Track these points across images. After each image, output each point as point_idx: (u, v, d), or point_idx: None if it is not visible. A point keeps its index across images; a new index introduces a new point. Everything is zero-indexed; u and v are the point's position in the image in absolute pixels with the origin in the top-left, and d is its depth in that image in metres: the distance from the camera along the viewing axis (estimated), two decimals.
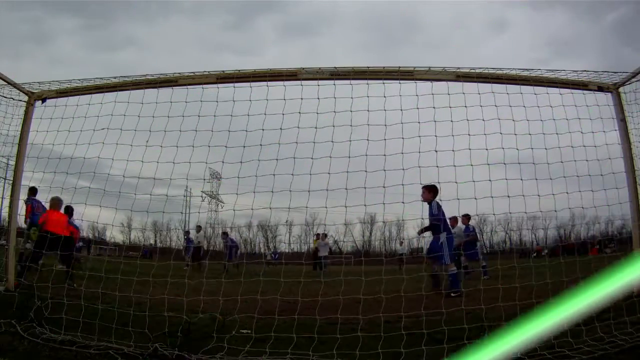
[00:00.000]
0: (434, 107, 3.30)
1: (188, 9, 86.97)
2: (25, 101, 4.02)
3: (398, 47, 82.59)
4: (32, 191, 6.58)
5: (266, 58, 78.80)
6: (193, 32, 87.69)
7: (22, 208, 4.81)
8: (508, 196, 3.09)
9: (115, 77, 3.75)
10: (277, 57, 78.17)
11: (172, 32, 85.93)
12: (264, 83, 3.49)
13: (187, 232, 15.87)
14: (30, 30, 79.20)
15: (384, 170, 3.10)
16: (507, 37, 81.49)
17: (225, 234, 14.35)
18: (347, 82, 3.43)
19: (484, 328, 2.73)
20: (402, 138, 3.19)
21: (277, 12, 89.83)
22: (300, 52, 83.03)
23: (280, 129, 3.27)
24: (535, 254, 25.18)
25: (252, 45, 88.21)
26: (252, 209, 3.29)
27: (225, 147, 3.28)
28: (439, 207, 5.43)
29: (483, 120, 3.28)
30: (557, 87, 3.55)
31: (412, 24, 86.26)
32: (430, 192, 5.33)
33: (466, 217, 8.22)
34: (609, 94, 3.69)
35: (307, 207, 3.15)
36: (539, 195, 3.12)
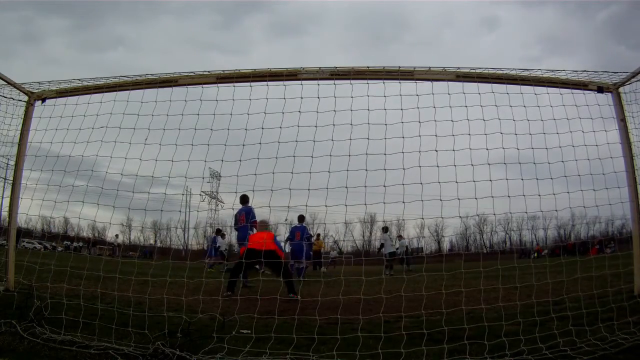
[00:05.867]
0: (434, 107, 3.29)
1: (176, 9, 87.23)
2: (25, 101, 4.01)
3: (387, 46, 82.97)
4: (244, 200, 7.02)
5: (255, 57, 79.19)
6: (182, 32, 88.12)
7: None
8: (508, 196, 3.08)
9: (115, 77, 3.74)
10: (265, 57, 78.40)
11: (161, 32, 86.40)
12: (264, 83, 3.49)
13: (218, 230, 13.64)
14: (21, 31, 79.47)
15: (384, 170, 3.09)
16: (498, 34, 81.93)
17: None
18: (347, 81, 3.42)
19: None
20: (403, 137, 3.18)
21: (264, 12, 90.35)
22: (288, 51, 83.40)
23: (280, 127, 3.25)
24: (535, 254, 25.21)
25: (240, 45, 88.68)
26: (251, 208, 3.29)
27: (225, 145, 3.27)
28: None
29: (483, 120, 3.27)
30: (557, 87, 3.55)
31: (401, 22, 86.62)
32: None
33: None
34: (609, 94, 3.69)
35: (306, 206, 3.13)
36: (539, 195, 3.11)
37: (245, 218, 7.07)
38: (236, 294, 4.57)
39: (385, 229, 13.27)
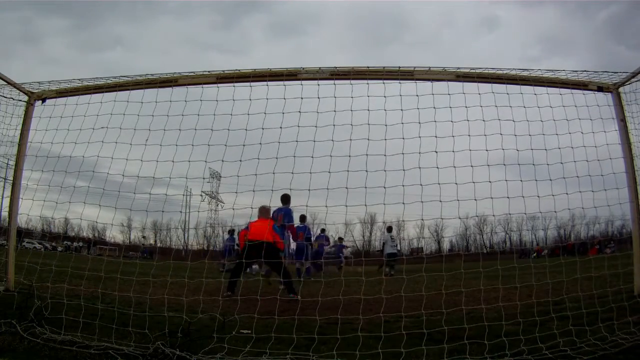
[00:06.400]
0: (434, 107, 3.29)
1: (174, 9, 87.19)
2: (25, 101, 4.01)
3: (387, 46, 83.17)
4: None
5: (254, 57, 79.38)
6: (181, 32, 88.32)
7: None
8: (508, 197, 3.08)
9: (115, 77, 3.74)
10: (265, 57, 78.57)
11: (160, 32, 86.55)
12: (264, 83, 3.49)
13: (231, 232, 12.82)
14: (21, 31, 79.65)
15: (385, 171, 3.09)
16: (498, 34, 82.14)
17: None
18: (347, 82, 3.43)
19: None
20: (403, 138, 3.19)
21: (263, 12, 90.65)
22: (288, 51, 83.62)
23: (280, 127, 3.25)
24: (535, 254, 25.24)
25: (240, 45, 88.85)
26: (251, 208, 3.32)
27: (225, 145, 3.26)
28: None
29: (483, 120, 3.27)
30: (557, 87, 3.55)
31: (401, 22, 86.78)
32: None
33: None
34: (609, 94, 3.69)
35: (307, 206, 3.14)
36: (538, 196, 3.12)
37: (283, 218, 6.88)
38: (236, 294, 4.57)
39: (389, 229, 13.06)
